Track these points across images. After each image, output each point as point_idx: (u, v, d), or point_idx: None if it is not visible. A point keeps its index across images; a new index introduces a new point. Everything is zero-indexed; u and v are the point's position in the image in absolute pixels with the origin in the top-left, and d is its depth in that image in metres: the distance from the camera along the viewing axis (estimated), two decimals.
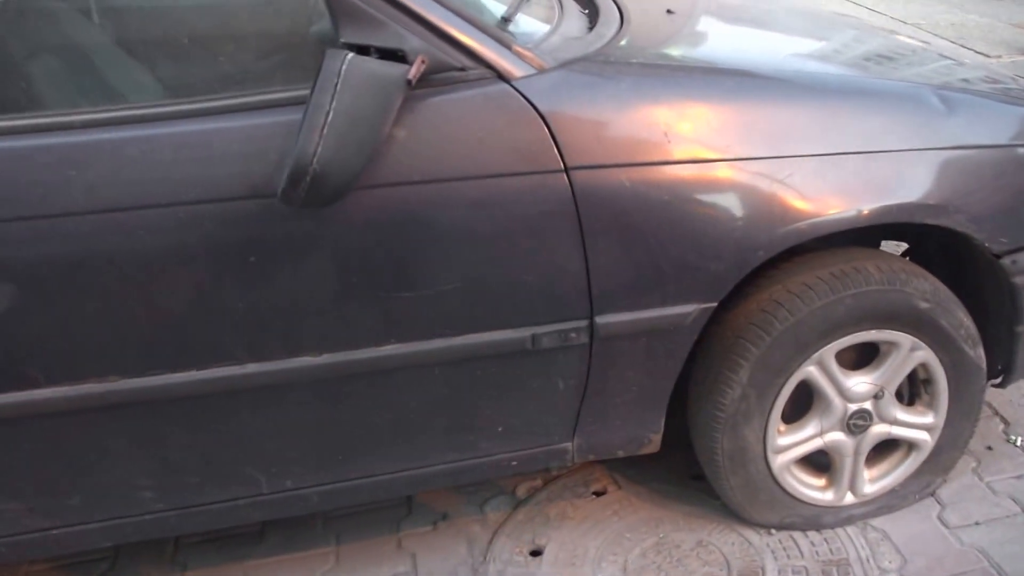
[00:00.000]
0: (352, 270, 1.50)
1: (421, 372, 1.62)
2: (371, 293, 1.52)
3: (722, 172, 1.60)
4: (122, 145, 1.39)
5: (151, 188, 1.40)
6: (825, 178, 1.64)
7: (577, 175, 1.52)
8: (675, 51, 1.81)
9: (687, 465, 2.17)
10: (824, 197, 1.64)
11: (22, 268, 1.39)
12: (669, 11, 2.04)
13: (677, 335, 1.70)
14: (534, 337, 1.61)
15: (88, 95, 1.55)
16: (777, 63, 1.88)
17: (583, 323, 1.63)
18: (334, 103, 1.23)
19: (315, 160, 1.23)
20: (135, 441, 1.56)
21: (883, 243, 2.12)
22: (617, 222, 1.56)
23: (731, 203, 1.61)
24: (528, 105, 1.50)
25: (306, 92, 1.42)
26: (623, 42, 1.74)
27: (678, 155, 1.57)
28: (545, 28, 1.75)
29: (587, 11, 1.98)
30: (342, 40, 1.38)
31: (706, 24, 2.10)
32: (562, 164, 1.51)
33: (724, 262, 1.63)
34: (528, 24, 1.71)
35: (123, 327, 1.45)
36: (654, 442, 1.89)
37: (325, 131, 1.22)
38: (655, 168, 1.56)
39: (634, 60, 1.67)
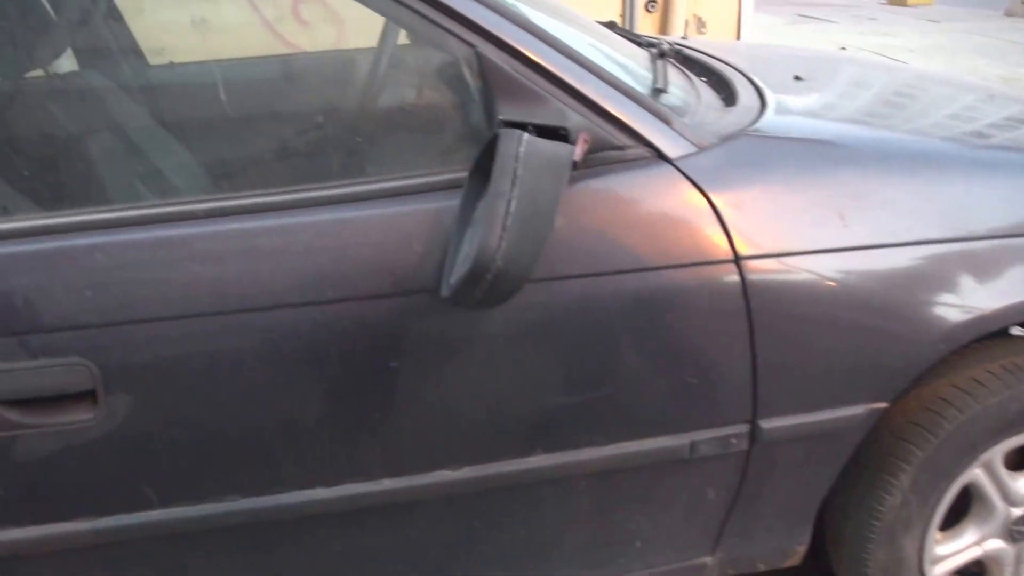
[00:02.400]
0: (500, 375, 1.33)
1: (565, 484, 1.45)
2: (519, 400, 1.35)
3: (902, 257, 1.43)
4: (252, 236, 1.24)
5: (283, 285, 1.24)
6: (1014, 260, 1.48)
7: (749, 265, 1.36)
8: (835, 124, 1.66)
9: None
10: (1013, 280, 1.48)
11: (141, 375, 1.23)
12: (797, 78, 1.90)
13: (842, 438, 1.53)
14: (693, 444, 1.44)
15: (210, 180, 1.41)
16: (947, 135, 1.72)
17: (745, 428, 1.46)
18: (515, 189, 1.06)
19: (499, 255, 1.06)
20: (250, 565, 1.39)
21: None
22: (790, 316, 1.40)
23: (912, 290, 1.44)
24: (694, 188, 1.35)
25: (445, 176, 1.28)
26: (773, 115, 1.58)
27: (855, 240, 1.41)
28: (690, 100, 1.60)
29: (704, 78, 1.84)
30: (500, 117, 1.23)
31: (847, 92, 1.95)
32: (733, 253, 1.35)
33: (902, 358, 1.46)
34: (674, 96, 1.57)
35: (248, 441, 1.28)
36: (799, 554, 1.70)
37: (508, 221, 1.05)
38: (832, 255, 1.40)
39: (796, 136, 1.52)
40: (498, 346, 1.32)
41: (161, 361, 1.24)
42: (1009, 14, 12.52)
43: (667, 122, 1.38)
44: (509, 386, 1.34)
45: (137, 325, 1.23)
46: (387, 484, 1.34)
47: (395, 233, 1.27)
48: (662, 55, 1.70)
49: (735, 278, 1.36)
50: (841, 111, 1.81)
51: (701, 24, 6.20)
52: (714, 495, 1.54)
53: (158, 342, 1.24)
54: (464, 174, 1.27)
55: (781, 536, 1.65)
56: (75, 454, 1.24)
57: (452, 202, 1.26)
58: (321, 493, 1.32)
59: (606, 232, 1.32)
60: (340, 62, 1.78)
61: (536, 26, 1.32)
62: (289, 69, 1.84)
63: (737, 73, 1.83)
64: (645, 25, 5.41)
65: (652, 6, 5.55)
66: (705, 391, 1.41)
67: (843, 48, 8.14)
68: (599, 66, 1.35)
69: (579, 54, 1.34)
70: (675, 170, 1.36)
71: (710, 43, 2.21)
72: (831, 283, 1.40)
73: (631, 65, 1.57)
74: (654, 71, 1.60)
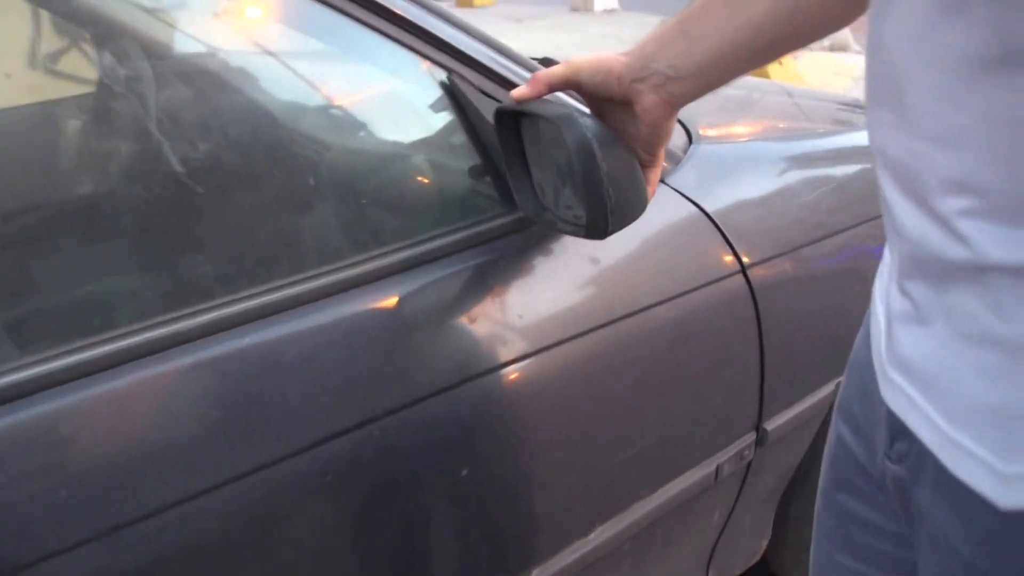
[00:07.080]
0: (567, 442, 1.18)
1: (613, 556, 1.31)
2: (577, 466, 1.20)
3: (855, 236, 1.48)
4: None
5: None
6: None
7: (754, 272, 1.32)
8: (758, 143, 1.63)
9: None
10: None
11: None
12: None
13: (812, 422, 1.54)
14: (718, 468, 1.38)
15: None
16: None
17: (752, 436, 1.42)
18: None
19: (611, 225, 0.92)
20: None
21: None
22: (788, 311, 1.39)
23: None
24: (691, 203, 1.29)
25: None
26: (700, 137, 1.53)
27: (825, 231, 1.43)
28: None
29: None
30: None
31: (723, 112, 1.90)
32: (739, 264, 1.31)
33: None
34: None
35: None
36: (762, 548, 1.71)
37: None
38: (810, 247, 1.41)
39: (743, 153, 1.51)
40: (556, 415, 1.16)
41: None
42: (574, 9, 13.68)
43: None
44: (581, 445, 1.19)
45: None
46: None
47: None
48: None
49: (744, 287, 1.31)
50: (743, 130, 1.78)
51: None
52: (718, 514, 1.49)
53: None
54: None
55: (753, 535, 1.65)
56: None
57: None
58: None
59: (638, 269, 1.22)
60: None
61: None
62: None
63: None
64: None
65: None
66: (723, 408, 1.36)
67: None
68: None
69: None
70: (669, 188, 1.28)
71: None
72: (815, 274, 1.41)
73: None
74: None
